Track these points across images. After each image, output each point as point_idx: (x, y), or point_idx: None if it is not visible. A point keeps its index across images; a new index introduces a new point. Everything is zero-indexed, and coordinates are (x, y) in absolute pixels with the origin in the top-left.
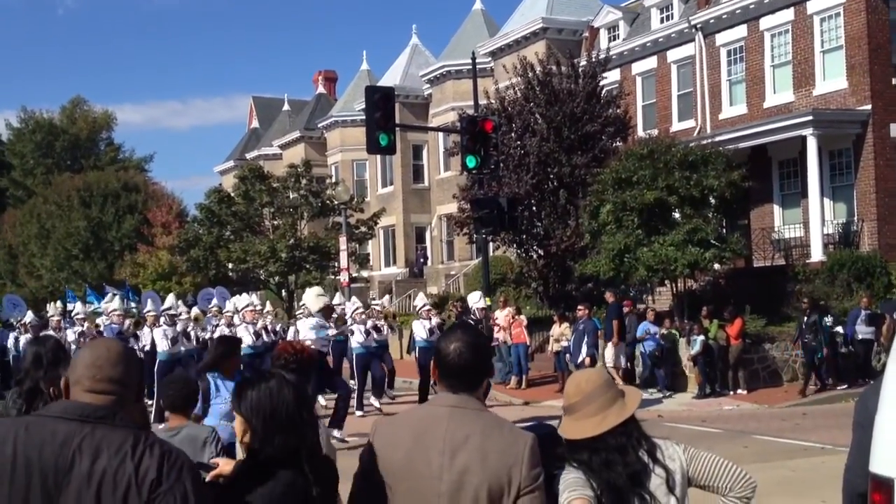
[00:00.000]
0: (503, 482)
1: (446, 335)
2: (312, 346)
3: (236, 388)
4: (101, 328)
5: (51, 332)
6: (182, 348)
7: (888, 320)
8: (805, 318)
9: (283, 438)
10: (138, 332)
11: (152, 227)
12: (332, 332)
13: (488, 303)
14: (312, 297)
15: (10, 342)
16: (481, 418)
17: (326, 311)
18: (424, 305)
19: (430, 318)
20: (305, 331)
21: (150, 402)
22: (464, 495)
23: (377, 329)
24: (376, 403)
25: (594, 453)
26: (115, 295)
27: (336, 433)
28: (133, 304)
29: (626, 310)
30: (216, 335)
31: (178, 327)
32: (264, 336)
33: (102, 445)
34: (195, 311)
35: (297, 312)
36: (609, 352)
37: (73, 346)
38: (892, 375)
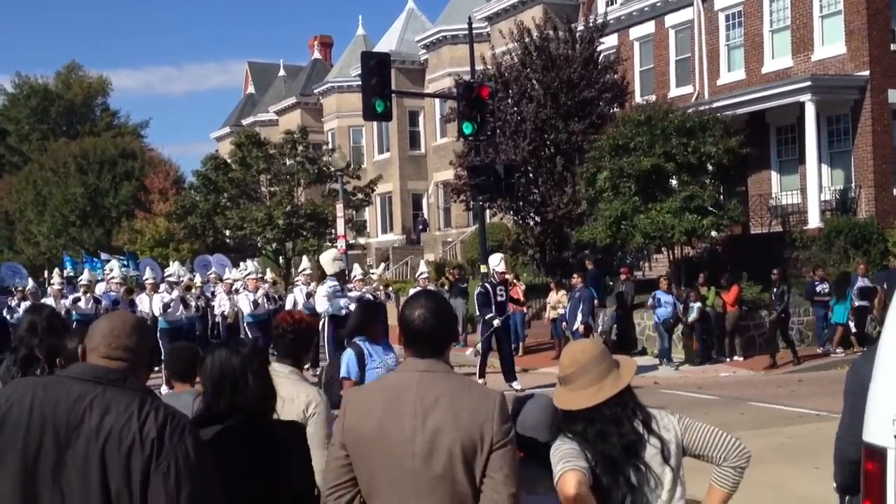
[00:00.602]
0: (475, 439)
1: (409, 302)
2: (326, 312)
3: (203, 354)
4: (98, 295)
5: (50, 301)
6: (182, 316)
7: (879, 292)
8: (774, 289)
9: (228, 398)
10: (134, 299)
11: (149, 193)
12: (343, 301)
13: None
14: (329, 261)
15: (6, 310)
16: (450, 380)
17: (341, 276)
18: (422, 273)
19: (425, 286)
20: (320, 297)
21: (156, 369)
22: (438, 454)
23: (374, 297)
24: None
25: (589, 424)
26: (116, 262)
27: None
28: (134, 272)
29: (622, 277)
30: (215, 302)
31: (174, 293)
32: (266, 304)
33: (111, 404)
34: (197, 278)
35: (294, 279)
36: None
37: (73, 313)
38: (887, 345)
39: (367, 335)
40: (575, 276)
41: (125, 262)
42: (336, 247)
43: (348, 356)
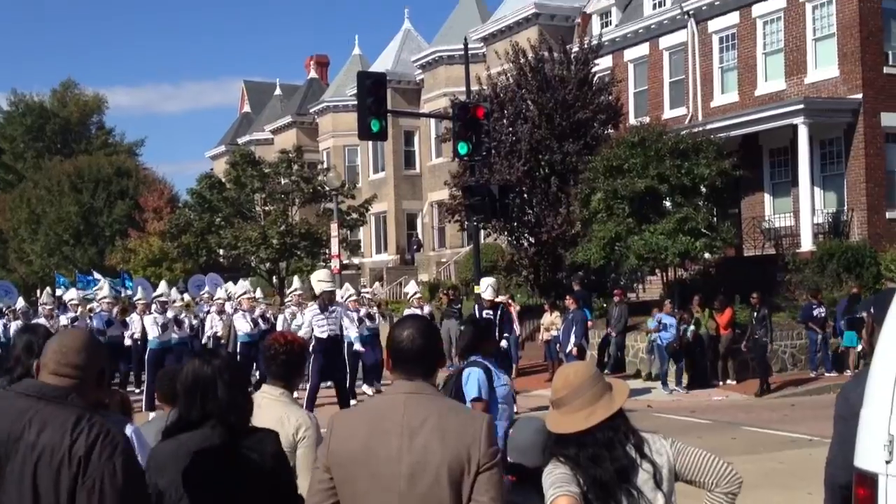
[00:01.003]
0: (462, 460)
1: (398, 324)
2: (318, 333)
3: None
4: (92, 314)
5: (42, 320)
6: (174, 335)
7: (867, 319)
8: (755, 314)
9: (201, 405)
10: (126, 320)
11: (144, 212)
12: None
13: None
14: (315, 282)
15: (0, 329)
16: (438, 402)
17: (327, 297)
18: (415, 293)
19: (421, 307)
20: (308, 318)
21: (137, 391)
22: (425, 475)
23: (370, 317)
24: (370, 391)
25: (581, 448)
26: (105, 282)
27: None
28: (129, 291)
29: (616, 299)
30: (207, 322)
31: (169, 314)
32: (261, 324)
33: (49, 421)
34: (187, 297)
35: (286, 300)
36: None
37: None
38: (877, 370)
39: (481, 353)
40: (569, 297)
41: (121, 283)
42: (329, 266)
43: (478, 375)
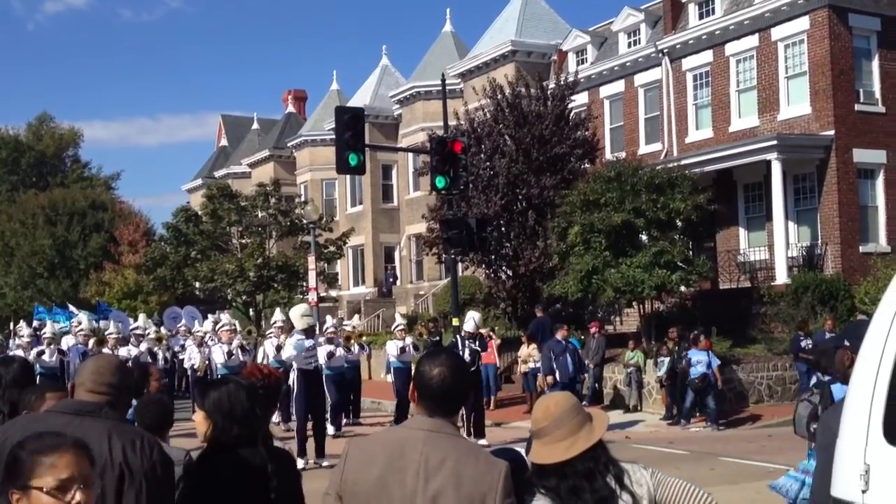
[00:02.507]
0: None
1: (430, 358)
2: (296, 364)
3: (200, 388)
4: (65, 348)
5: (19, 352)
6: None
7: (842, 351)
8: (676, 349)
9: (238, 429)
10: (103, 352)
11: (119, 245)
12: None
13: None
14: (297, 316)
15: None
16: (457, 444)
17: (310, 332)
18: (398, 325)
19: (403, 338)
20: (288, 346)
21: None
22: None
23: (348, 350)
24: (331, 430)
25: (562, 479)
26: (85, 315)
27: (300, 462)
28: (106, 322)
29: (593, 331)
30: (185, 355)
31: (143, 346)
32: (239, 355)
33: (87, 433)
34: (163, 330)
35: (267, 332)
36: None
37: (37, 366)
38: (852, 400)
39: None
40: (563, 328)
41: (100, 315)
42: (307, 299)
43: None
